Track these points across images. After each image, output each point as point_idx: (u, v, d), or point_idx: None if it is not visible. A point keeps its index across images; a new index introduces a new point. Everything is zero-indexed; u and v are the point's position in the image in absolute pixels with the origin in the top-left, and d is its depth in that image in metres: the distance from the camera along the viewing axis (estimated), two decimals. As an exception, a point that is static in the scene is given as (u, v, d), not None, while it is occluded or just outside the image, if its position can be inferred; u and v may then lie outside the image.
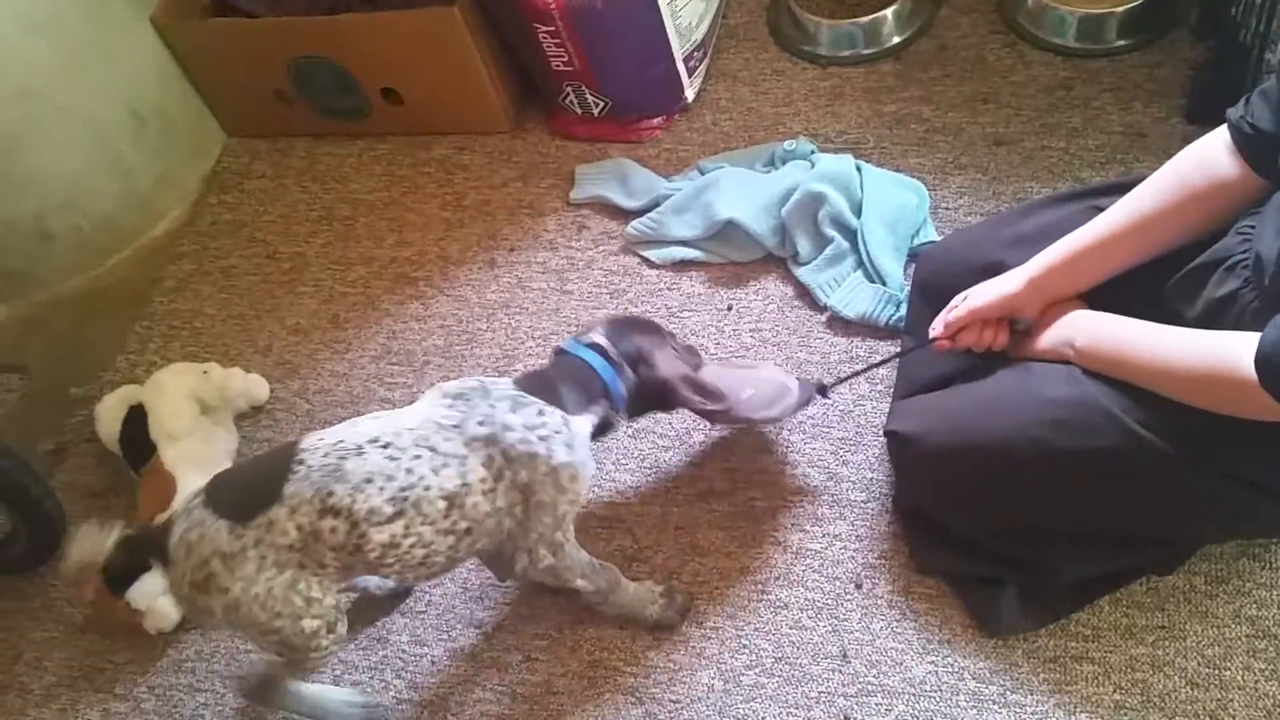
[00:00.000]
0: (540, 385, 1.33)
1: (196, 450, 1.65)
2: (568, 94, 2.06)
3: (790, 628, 1.50)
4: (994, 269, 1.44)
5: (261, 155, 2.23)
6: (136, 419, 1.67)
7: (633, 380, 1.39)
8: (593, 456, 1.35)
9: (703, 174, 1.97)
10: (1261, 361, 1.03)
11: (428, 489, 1.22)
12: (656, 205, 1.94)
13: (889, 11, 2.05)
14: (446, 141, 2.16)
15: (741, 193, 1.87)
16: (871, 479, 1.60)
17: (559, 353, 1.41)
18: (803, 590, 1.52)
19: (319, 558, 1.21)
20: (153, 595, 1.54)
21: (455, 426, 1.25)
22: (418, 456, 1.22)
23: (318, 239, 2.07)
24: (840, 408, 1.67)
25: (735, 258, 1.87)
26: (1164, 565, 1.44)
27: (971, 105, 1.97)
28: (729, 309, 1.82)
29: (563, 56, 1.97)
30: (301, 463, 1.20)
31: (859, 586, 1.51)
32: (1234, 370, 1.07)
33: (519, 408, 1.27)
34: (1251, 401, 1.06)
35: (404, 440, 1.23)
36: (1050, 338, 1.33)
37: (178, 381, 1.70)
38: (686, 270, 1.89)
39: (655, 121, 2.08)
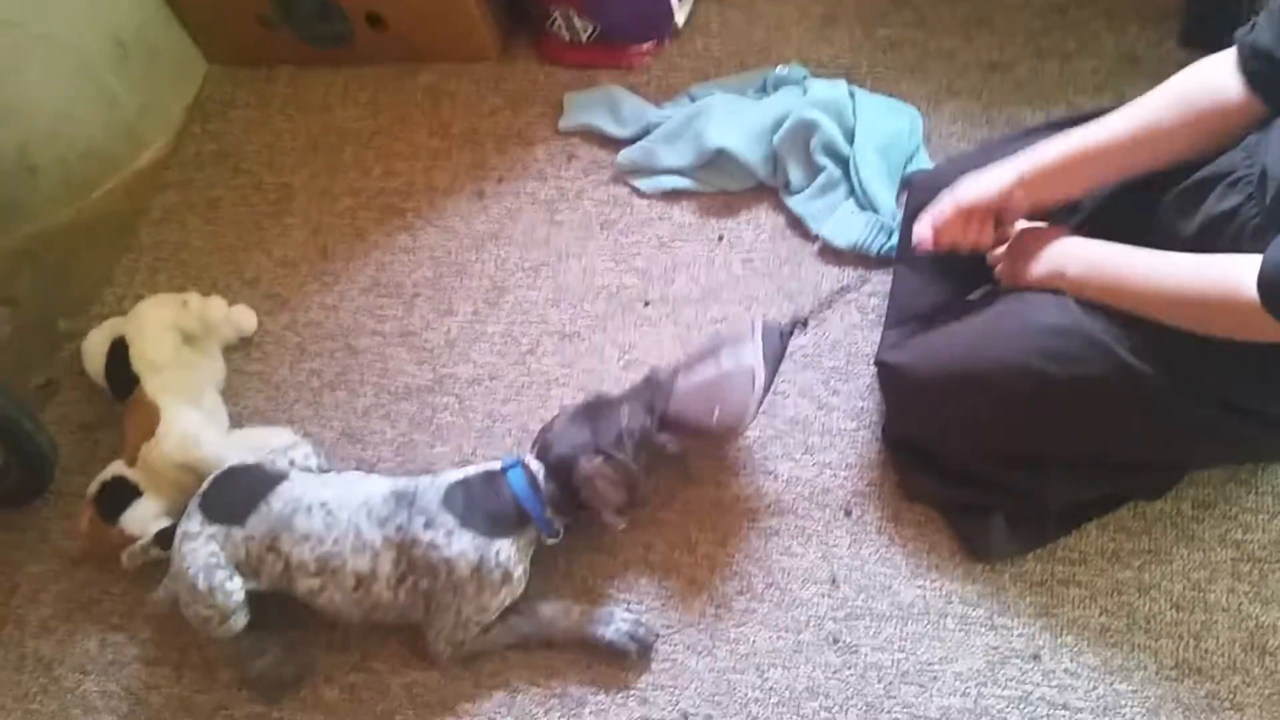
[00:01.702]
0: (468, 501, 1.40)
1: (179, 380, 1.64)
2: (555, 19, 2.02)
3: (780, 554, 1.51)
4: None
5: (245, 84, 2.19)
6: (120, 351, 1.66)
7: (557, 495, 1.42)
8: (522, 569, 1.42)
9: (693, 101, 1.94)
10: (1264, 282, 1.02)
11: (343, 563, 1.38)
12: (647, 133, 1.92)
13: (883, -68, 2.01)
14: (433, 69, 2.12)
15: (733, 120, 1.84)
16: (862, 408, 1.60)
17: (498, 472, 1.44)
18: (793, 518, 1.53)
19: (256, 574, 1.41)
20: (145, 520, 1.55)
21: (382, 522, 1.40)
22: (345, 533, 1.39)
23: (304, 169, 2.04)
24: (831, 338, 1.67)
25: (726, 187, 1.85)
26: (1152, 491, 1.45)
27: (965, 30, 1.94)
28: (720, 239, 1.81)
29: (550, -21, 1.94)
30: (268, 502, 1.41)
31: (849, 513, 1.53)
32: (1235, 293, 1.06)
33: (432, 525, 1.38)
34: (1252, 324, 1.05)
35: (343, 515, 1.40)
36: (1041, 267, 1.33)
37: (157, 312, 1.69)
38: (677, 200, 1.87)
39: (645, 47, 2.05)
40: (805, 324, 1.57)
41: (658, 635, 1.46)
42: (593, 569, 1.52)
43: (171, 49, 2.15)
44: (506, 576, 1.39)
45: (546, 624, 1.45)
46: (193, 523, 1.41)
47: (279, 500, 1.41)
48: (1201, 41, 1.70)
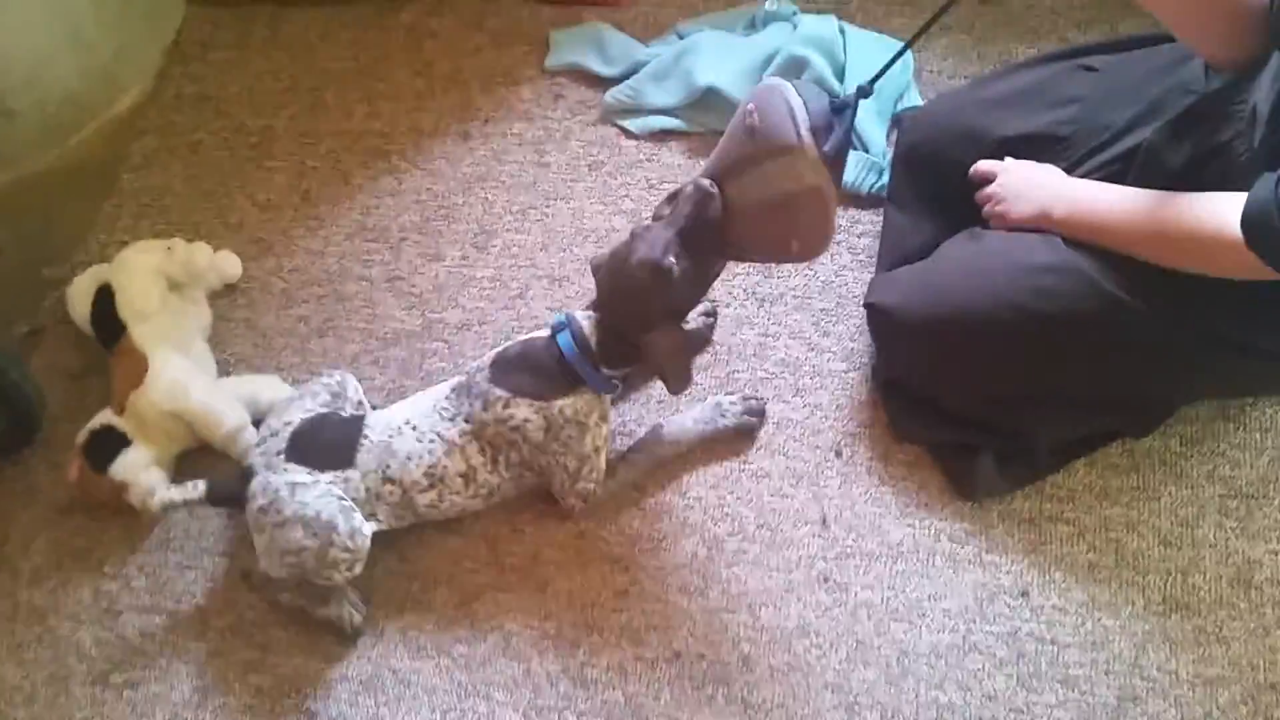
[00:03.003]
0: (517, 371, 1.41)
1: (166, 327, 1.63)
2: (540, -45, 1.98)
3: (771, 495, 1.52)
4: (977, 134, 1.42)
5: (224, 24, 2.15)
6: (105, 298, 1.64)
7: (610, 346, 1.38)
8: (597, 414, 1.42)
9: (681, 38, 1.91)
10: (1248, 220, 1.02)
11: (446, 468, 1.42)
12: (634, 72, 1.89)
13: None
14: (414, 6, 2.08)
15: (722, 58, 1.81)
16: (852, 349, 1.60)
17: (548, 337, 1.42)
18: (784, 459, 1.54)
19: (373, 509, 1.42)
20: (135, 468, 1.54)
21: (453, 418, 1.42)
22: (433, 441, 1.42)
23: (285, 111, 2.01)
24: (822, 278, 1.66)
25: (716, 126, 1.83)
26: (1141, 427, 1.46)
27: (959, -38, 1.91)
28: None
29: (534, -86, 1.89)
30: (367, 437, 1.42)
31: (839, 454, 1.53)
32: (1219, 231, 1.06)
33: (489, 405, 1.40)
34: (1236, 261, 1.05)
35: (425, 425, 1.43)
36: (1028, 207, 1.32)
37: (142, 259, 1.67)
38: (666, 140, 1.85)
39: (632, -17, 2.01)
40: (869, 91, 1.24)
41: (764, 400, 1.56)
42: (585, 514, 1.52)
43: (148, -10, 2.10)
44: (582, 427, 1.41)
45: (671, 443, 1.52)
46: (296, 474, 1.39)
47: (374, 432, 1.43)
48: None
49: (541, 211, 1.82)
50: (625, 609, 1.46)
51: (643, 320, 1.32)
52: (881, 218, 1.60)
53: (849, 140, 1.22)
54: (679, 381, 1.37)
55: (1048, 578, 1.41)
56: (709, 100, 1.81)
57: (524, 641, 1.46)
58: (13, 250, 1.90)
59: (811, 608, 1.44)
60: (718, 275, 1.38)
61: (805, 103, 1.18)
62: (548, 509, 1.53)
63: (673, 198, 1.33)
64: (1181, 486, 1.44)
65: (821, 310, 1.64)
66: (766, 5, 1.89)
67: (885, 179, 1.66)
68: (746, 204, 1.26)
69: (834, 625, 1.42)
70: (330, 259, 1.83)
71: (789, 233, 1.25)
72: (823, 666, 1.41)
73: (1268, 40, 1.12)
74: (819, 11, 1.88)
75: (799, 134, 1.17)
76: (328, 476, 1.40)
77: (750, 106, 1.22)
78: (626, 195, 1.80)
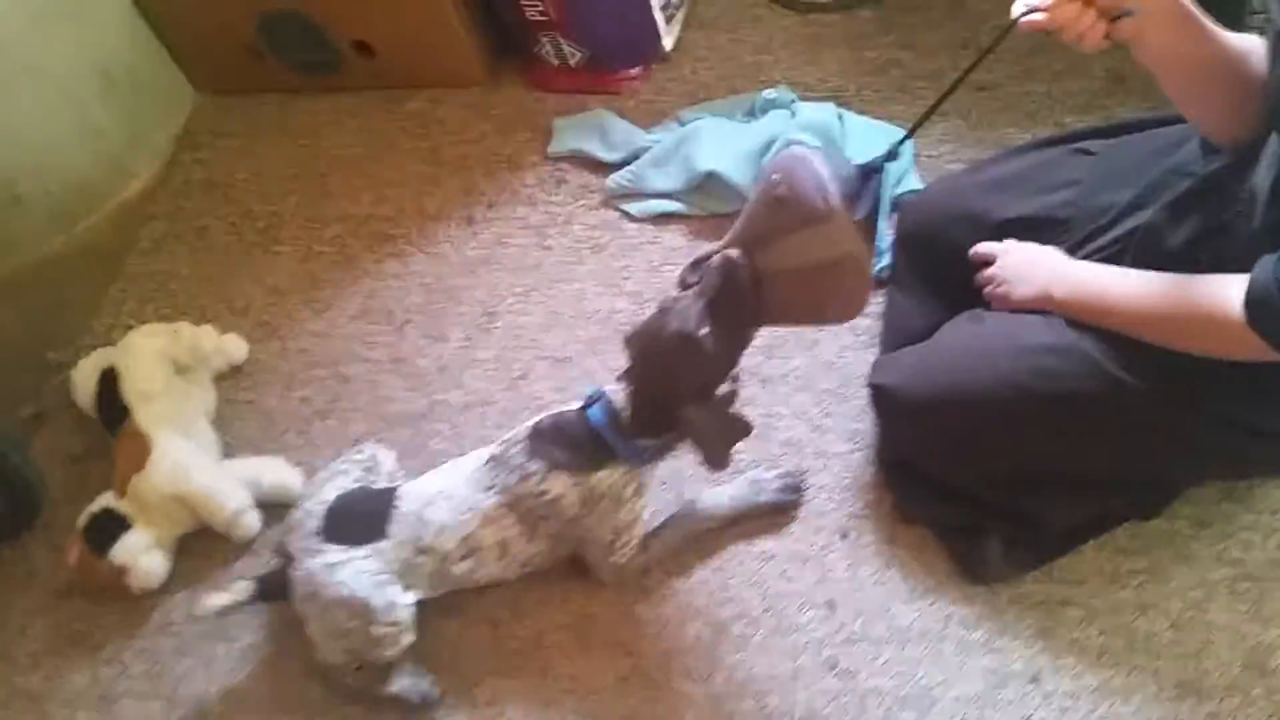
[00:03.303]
0: (552, 444, 1.40)
1: (171, 410, 1.63)
2: (544, 44, 2.02)
3: (777, 578, 1.50)
4: (976, 217, 1.43)
5: (233, 112, 2.19)
6: (110, 382, 1.65)
7: (646, 417, 1.36)
8: (633, 487, 1.40)
9: (682, 125, 1.95)
10: (1250, 302, 1.03)
11: (481, 539, 1.40)
12: (636, 157, 1.92)
13: (869, -44, 2.02)
14: (421, 95, 2.12)
15: (722, 143, 1.85)
16: (856, 430, 1.60)
17: (580, 410, 1.41)
18: (789, 541, 1.53)
19: (410, 579, 1.41)
20: (135, 552, 1.53)
21: (488, 489, 1.40)
22: (468, 511, 1.40)
23: (293, 197, 2.04)
24: (824, 359, 1.67)
25: (717, 209, 1.85)
26: (1147, 510, 1.45)
27: (952, 51, 1.95)
28: (711, 261, 1.81)
29: (538, 6, 1.94)
30: (396, 508, 1.42)
31: (845, 536, 1.52)
32: (1221, 312, 1.06)
33: (526, 477, 1.38)
34: (1238, 343, 1.06)
35: (459, 495, 1.41)
36: (1030, 288, 1.33)
37: (148, 342, 1.68)
38: (668, 223, 1.87)
39: (633, 72, 2.05)
40: (895, 155, 1.28)
41: (803, 475, 1.55)
42: (588, 596, 1.51)
43: (159, 80, 2.15)
44: (618, 501, 1.40)
45: (705, 519, 1.52)
46: (330, 554, 1.38)
47: (405, 502, 1.42)
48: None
49: (544, 293, 1.83)
50: (628, 695, 1.44)
51: (677, 392, 1.30)
52: (884, 299, 1.61)
53: (877, 205, 1.23)
54: (717, 460, 1.34)
55: (1059, 662, 1.39)
56: (709, 185, 1.83)
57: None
58: (18, 333, 1.91)
59: (819, 694, 1.41)
60: (749, 343, 1.35)
61: (833, 170, 1.17)
62: (550, 591, 1.51)
63: (697, 265, 1.31)
64: (1191, 569, 1.43)
65: (825, 391, 1.64)
66: (765, 93, 1.93)
67: (885, 260, 1.68)
68: (779, 272, 1.23)
69: (842, 713, 1.40)
70: (335, 341, 1.84)
71: (825, 298, 1.23)
72: (831, 755, 1.38)
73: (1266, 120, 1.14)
74: (817, 98, 1.92)
75: (831, 202, 1.15)
76: (361, 552, 1.38)
77: (776, 176, 1.20)
78: (629, 277, 1.82)
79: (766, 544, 1.53)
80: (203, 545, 1.61)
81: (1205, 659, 1.37)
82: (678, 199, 1.87)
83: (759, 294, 1.25)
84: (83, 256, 2.01)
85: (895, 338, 1.53)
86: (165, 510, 1.55)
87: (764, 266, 1.24)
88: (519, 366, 1.75)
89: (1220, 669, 1.37)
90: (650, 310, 1.32)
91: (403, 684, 1.43)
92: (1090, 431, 1.28)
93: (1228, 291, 1.06)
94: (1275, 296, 1.00)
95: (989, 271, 1.40)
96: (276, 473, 1.63)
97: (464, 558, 1.41)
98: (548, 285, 1.84)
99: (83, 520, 1.57)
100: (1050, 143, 1.48)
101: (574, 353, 1.75)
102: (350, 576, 1.36)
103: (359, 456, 1.53)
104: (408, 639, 1.40)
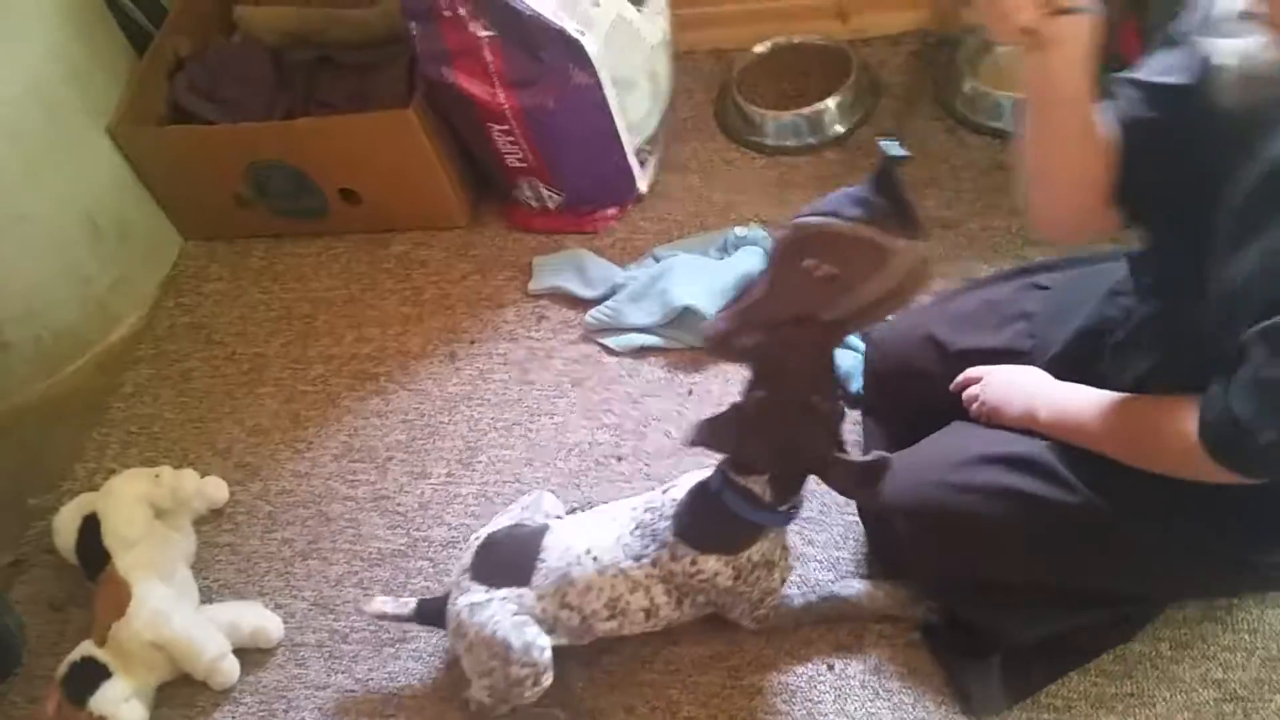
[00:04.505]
0: (699, 527, 1.40)
1: (151, 555, 1.62)
2: (522, 188, 2.10)
3: (765, 713, 1.49)
4: (941, 344, 1.47)
5: (219, 258, 2.24)
6: (91, 527, 1.64)
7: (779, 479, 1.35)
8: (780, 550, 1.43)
9: (658, 261, 2.01)
10: (1204, 434, 1.06)
11: (628, 604, 1.42)
12: (614, 293, 1.97)
13: (830, 102, 2.12)
14: (405, 238, 2.18)
15: (696, 279, 1.90)
16: (838, 558, 1.61)
17: (715, 493, 1.39)
18: (775, 674, 1.52)
19: (552, 630, 1.42)
20: (115, 701, 1.50)
21: (638, 558, 1.41)
22: (616, 576, 1.41)
23: (277, 339, 2.07)
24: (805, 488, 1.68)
25: (693, 342, 1.90)
26: (1124, 631, 1.45)
27: (917, 189, 2.00)
28: (689, 393, 1.84)
29: (517, 153, 2.02)
30: (543, 559, 1.43)
31: (831, 668, 1.51)
32: (1182, 438, 1.09)
33: (677, 557, 1.39)
34: (1201, 467, 1.08)
35: (607, 559, 1.41)
36: (1012, 410, 1.35)
37: (129, 487, 1.68)
38: (646, 356, 1.91)
39: (610, 212, 2.12)
40: (903, 152, 1.11)
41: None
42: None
43: (146, 227, 2.20)
44: (770, 567, 1.42)
45: (853, 606, 1.52)
46: (474, 593, 1.41)
47: (551, 555, 1.43)
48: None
49: (526, 427, 1.86)
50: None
51: (814, 462, 1.31)
52: (860, 428, 1.64)
53: (904, 194, 1.09)
54: (870, 500, 1.37)
55: (1050, 791, 1.38)
56: (685, 319, 1.88)
57: None
58: (0, 479, 1.91)
59: (810, 832, 1.39)
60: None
61: (847, 212, 1.09)
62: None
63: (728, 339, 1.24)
64: (1175, 691, 1.43)
65: (805, 519, 1.65)
66: (737, 230, 1.99)
67: (855, 388, 1.70)
68: (852, 313, 1.17)
69: None
70: (317, 480, 1.85)
71: (899, 301, 1.16)
72: None
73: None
74: (788, 235, 1.98)
75: (880, 244, 1.08)
76: (502, 593, 1.41)
77: (810, 263, 1.12)
78: (609, 409, 1.85)
79: (753, 677, 1.51)
80: (182, 694, 1.59)
81: (1197, 784, 1.36)
82: (655, 333, 1.92)
83: (832, 338, 1.23)
84: (67, 401, 2.02)
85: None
86: (144, 658, 1.54)
87: (835, 317, 1.18)
88: (501, 500, 1.76)
89: (1212, 794, 1.35)
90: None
91: None
92: (1058, 544, 1.30)
93: (1187, 417, 1.09)
94: (1228, 428, 1.03)
95: (973, 390, 1.42)
96: (256, 617, 1.62)
97: (610, 618, 1.42)
98: (529, 419, 1.86)
99: (62, 670, 1.55)
100: (1008, 276, 1.54)
101: (556, 485, 1.76)
102: (489, 618, 1.38)
103: (525, 500, 1.60)
104: (547, 680, 1.40)
